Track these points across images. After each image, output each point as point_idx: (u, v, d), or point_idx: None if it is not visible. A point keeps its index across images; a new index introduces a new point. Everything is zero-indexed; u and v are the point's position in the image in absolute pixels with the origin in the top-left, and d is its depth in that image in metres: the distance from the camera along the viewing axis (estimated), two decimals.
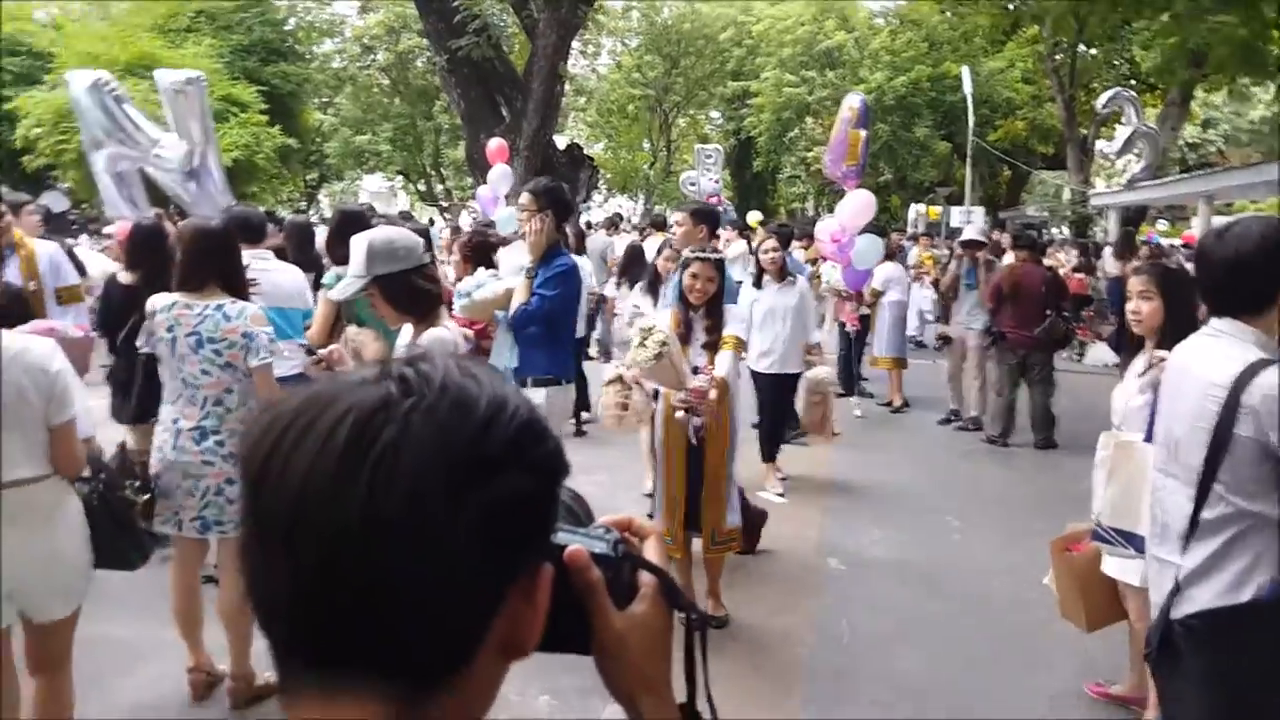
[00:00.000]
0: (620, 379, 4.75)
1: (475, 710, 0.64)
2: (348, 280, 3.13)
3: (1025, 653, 4.31)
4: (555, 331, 4.06)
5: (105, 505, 2.97)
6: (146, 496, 3.32)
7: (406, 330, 3.23)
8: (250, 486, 0.58)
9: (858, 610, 4.70)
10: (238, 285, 3.45)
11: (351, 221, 4.60)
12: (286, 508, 0.56)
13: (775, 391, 6.66)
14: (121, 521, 3.06)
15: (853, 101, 9.18)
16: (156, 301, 3.35)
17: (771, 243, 6.68)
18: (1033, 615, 4.62)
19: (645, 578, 0.76)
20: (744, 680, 3.94)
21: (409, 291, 3.08)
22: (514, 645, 0.63)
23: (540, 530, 0.65)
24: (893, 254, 10.32)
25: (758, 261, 6.64)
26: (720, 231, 16.34)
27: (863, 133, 8.91)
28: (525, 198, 4.16)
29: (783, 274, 6.57)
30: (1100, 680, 3.96)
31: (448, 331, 3.10)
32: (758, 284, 6.54)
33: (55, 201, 11.60)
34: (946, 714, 3.74)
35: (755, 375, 6.65)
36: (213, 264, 3.41)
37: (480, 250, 5.10)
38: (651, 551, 0.79)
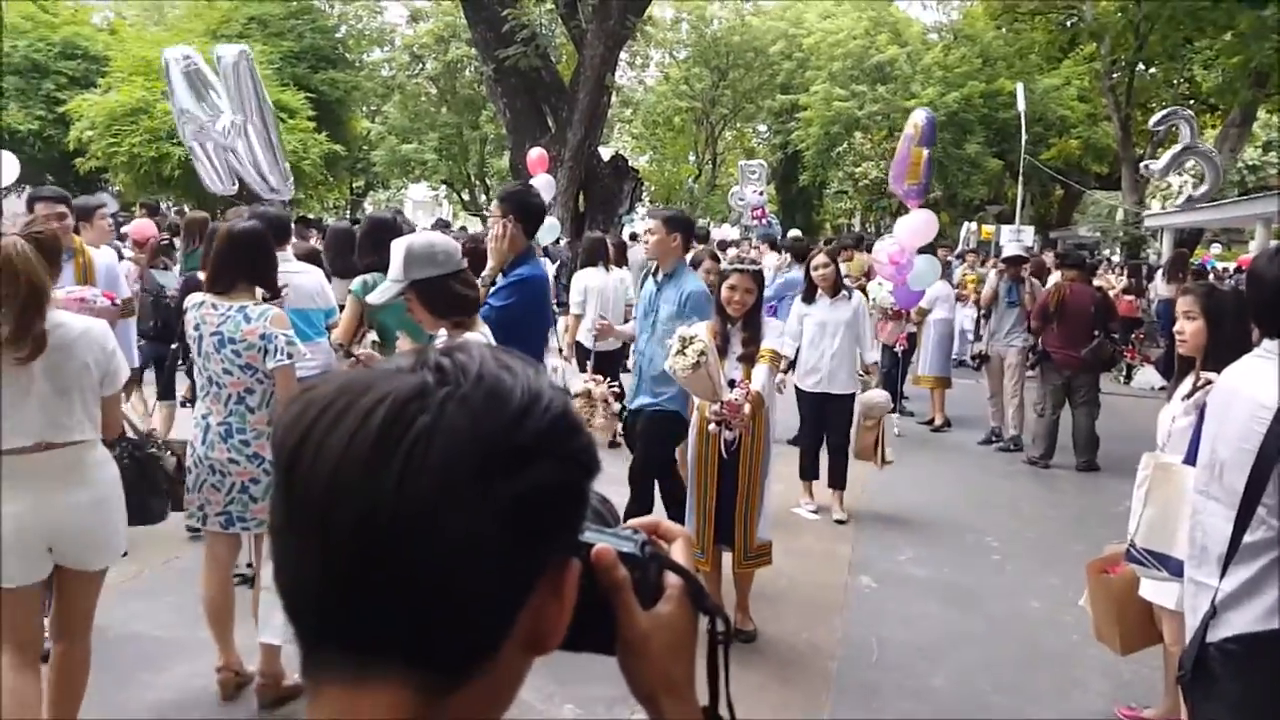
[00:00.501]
0: (588, 394, 4.62)
1: (497, 704, 0.64)
2: (385, 285, 3.15)
3: (1058, 674, 4.24)
4: (511, 342, 4.03)
5: (135, 463, 3.32)
6: (170, 454, 3.57)
7: (442, 336, 3.27)
8: (283, 471, 0.59)
9: (889, 627, 4.66)
10: (268, 287, 3.51)
11: (381, 228, 4.67)
12: (319, 492, 0.56)
13: (819, 409, 6.50)
14: (149, 477, 3.41)
15: (917, 118, 8.91)
16: (190, 300, 3.51)
17: (822, 257, 6.63)
18: (1066, 637, 4.56)
19: (671, 579, 0.76)
20: (771, 693, 3.92)
21: (446, 296, 3.09)
22: (539, 639, 0.64)
23: (570, 524, 0.65)
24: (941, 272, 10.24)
25: (809, 276, 6.56)
26: (760, 245, 16.36)
27: (925, 150, 8.71)
28: (494, 204, 4.18)
29: (836, 289, 6.48)
30: (1133, 704, 3.89)
31: (483, 338, 3.10)
32: (809, 299, 6.50)
33: (106, 204, 11.79)
34: None
35: (800, 393, 6.60)
36: (241, 265, 3.48)
37: (474, 258, 5.10)
38: (679, 553, 0.80)
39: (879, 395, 6.44)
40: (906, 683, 4.09)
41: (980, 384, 10.80)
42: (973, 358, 9.49)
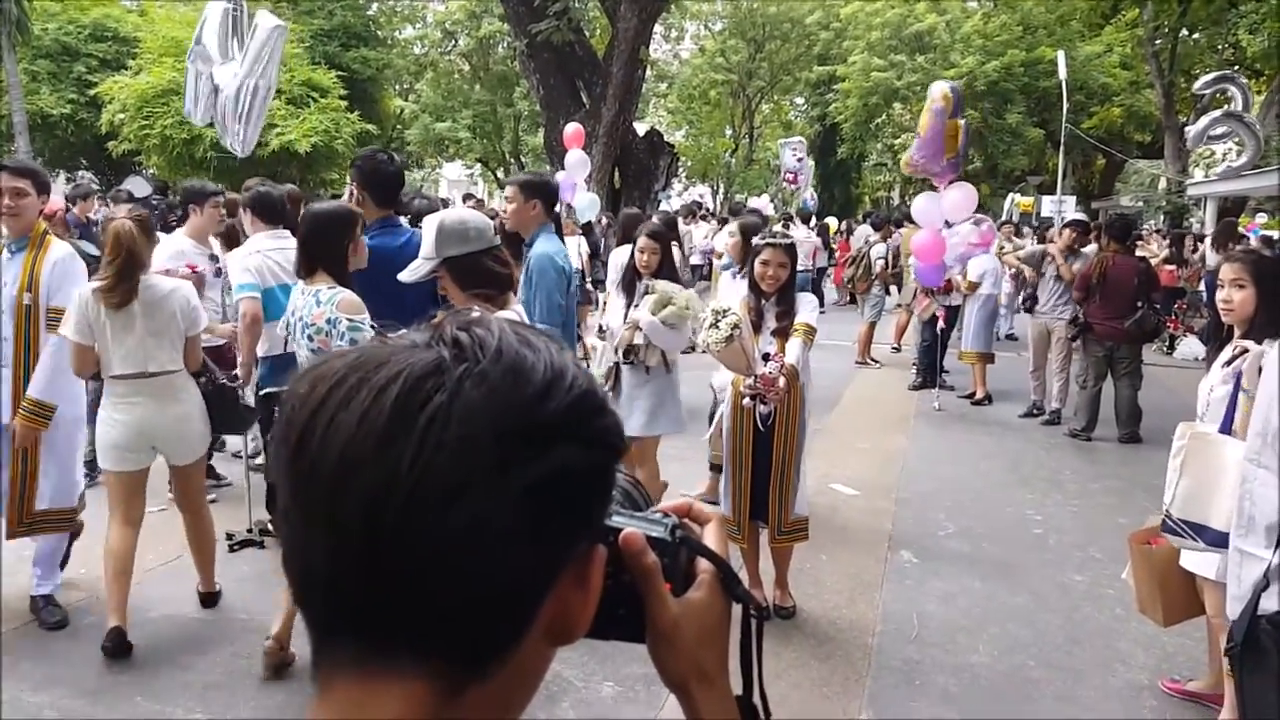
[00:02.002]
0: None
1: (518, 696, 0.61)
2: (418, 262, 3.11)
3: (1100, 648, 4.20)
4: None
5: (216, 389, 4.24)
6: (240, 382, 4.55)
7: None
8: (292, 449, 0.56)
9: (929, 602, 4.64)
10: (339, 271, 3.48)
11: (421, 212, 4.70)
12: (328, 471, 0.53)
13: None
14: (227, 399, 4.33)
15: (944, 89, 8.54)
16: (295, 289, 3.58)
17: (732, 226, 6.21)
18: (1109, 611, 4.52)
19: (703, 565, 0.74)
20: (811, 670, 3.93)
21: (479, 273, 3.05)
22: (563, 630, 0.61)
23: (595, 509, 0.62)
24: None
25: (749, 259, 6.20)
26: (794, 220, 16.23)
27: (961, 121, 8.46)
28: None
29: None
30: (1176, 676, 3.86)
31: (517, 316, 3.08)
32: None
33: (138, 187, 11.85)
34: (1017, 708, 3.67)
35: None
36: (318, 250, 3.48)
37: (507, 236, 5.12)
38: (711, 538, 0.77)
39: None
40: (947, 659, 4.07)
41: (1022, 357, 10.69)
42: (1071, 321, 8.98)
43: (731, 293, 5.62)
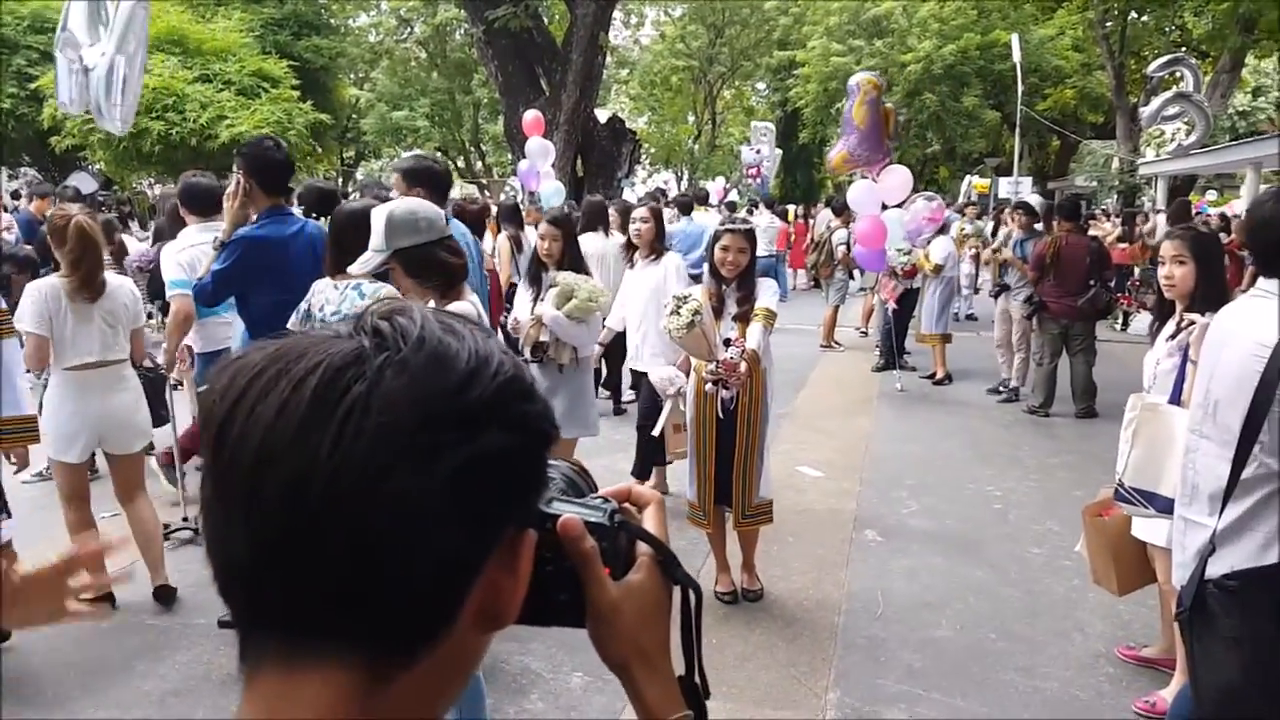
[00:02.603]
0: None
1: (450, 683, 0.61)
2: (367, 256, 3.01)
3: (1059, 618, 4.31)
4: (242, 308, 3.99)
5: (149, 381, 4.52)
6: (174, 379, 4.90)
7: (429, 306, 3.13)
8: (212, 440, 0.55)
9: (893, 579, 4.72)
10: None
11: (323, 199, 4.64)
12: (248, 461, 0.53)
13: (648, 390, 5.47)
14: (156, 389, 4.70)
15: (870, 78, 8.58)
16: (317, 285, 3.49)
17: (642, 212, 5.84)
18: (1067, 582, 4.64)
19: (643, 548, 0.75)
20: (779, 651, 3.99)
21: (432, 264, 2.96)
22: (493, 616, 0.60)
23: (524, 495, 0.62)
24: (944, 228, 10.24)
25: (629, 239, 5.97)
26: (759, 206, 16.30)
27: (889, 104, 8.54)
28: (235, 161, 4.17)
29: (654, 249, 5.75)
30: (1132, 644, 3.98)
31: (471, 306, 3.00)
32: (631, 263, 5.95)
33: (84, 183, 11.57)
34: (980, 680, 3.76)
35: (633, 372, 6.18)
36: (352, 246, 3.36)
37: (465, 219, 5.04)
38: (651, 522, 0.78)
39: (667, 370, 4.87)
40: (911, 634, 4.15)
41: (979, 337, 10.86)
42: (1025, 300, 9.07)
43: (639, 283, 5.63)
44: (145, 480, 4.45)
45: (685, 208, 11.37)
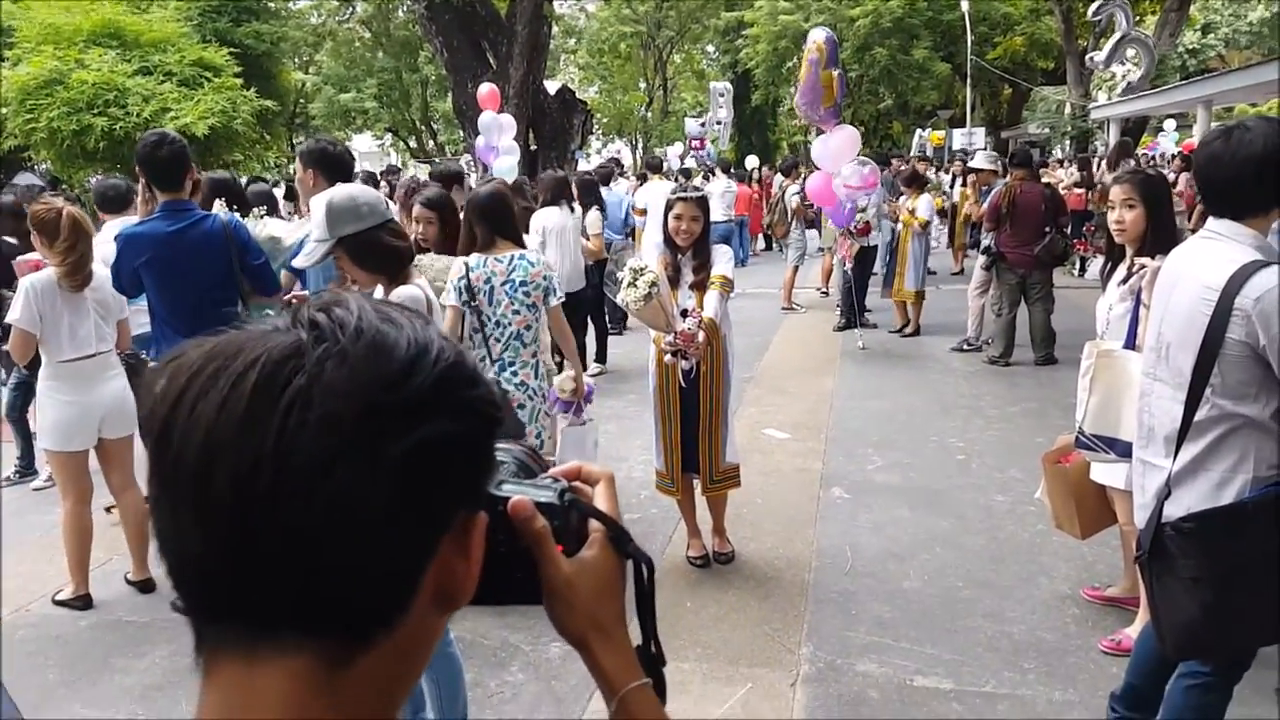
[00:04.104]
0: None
1: (410, 663, 0.62)
2: (310, 246, 2.95)
3: (1024, 563, 4.39)
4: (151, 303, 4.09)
5: (129, 367, 4.49)
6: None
7: (378, 293, 3.04)
8: (155, 440, 0.56)
9: (861, 535, 4.78)
10: (517, 237, 4.14)
11: (215, 188, 4.61)
12: (193, 458, 0.53)
13: None
14: (140, 374, 4.55)
15: (818, 38, 8.54)
16: (470, 261, 3.99)
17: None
18: (1031, 527, 4.72)
19: (595, 525, 0.78)
20: (751, 610, 4.03)
21: (377, 250, 2.92)
22: (448, 597, 0.62)
23: (471, 479, 0.62)
24: (924, 183, 10.26)
25: None
26: (716, 171, 16.23)
27: (835, 71, 8.43)
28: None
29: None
30: (1096, 584, 4.06)
31: (419, 290, 2.97)
32: None
33: (30, 183, 11.28)
34: (949, 628, 3.83)
35: None
36: (496, 225, 4.04)
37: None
38: (602, 499, 0.80)
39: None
40: (880, 587, 4.21)
41: (941, 290, 10.95)
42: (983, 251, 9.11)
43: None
44: (135, 470, 4.42)
45: (605, 178, 11.23)
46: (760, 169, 19.96)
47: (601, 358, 8.65)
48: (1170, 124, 25.17)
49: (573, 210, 7.65)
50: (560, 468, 0.81)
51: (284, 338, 0.56)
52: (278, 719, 0.55)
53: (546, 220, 7.38)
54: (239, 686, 0.56)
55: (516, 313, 3.99)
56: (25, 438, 6.18)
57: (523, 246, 4.11)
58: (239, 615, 0.56)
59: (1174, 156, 18.60)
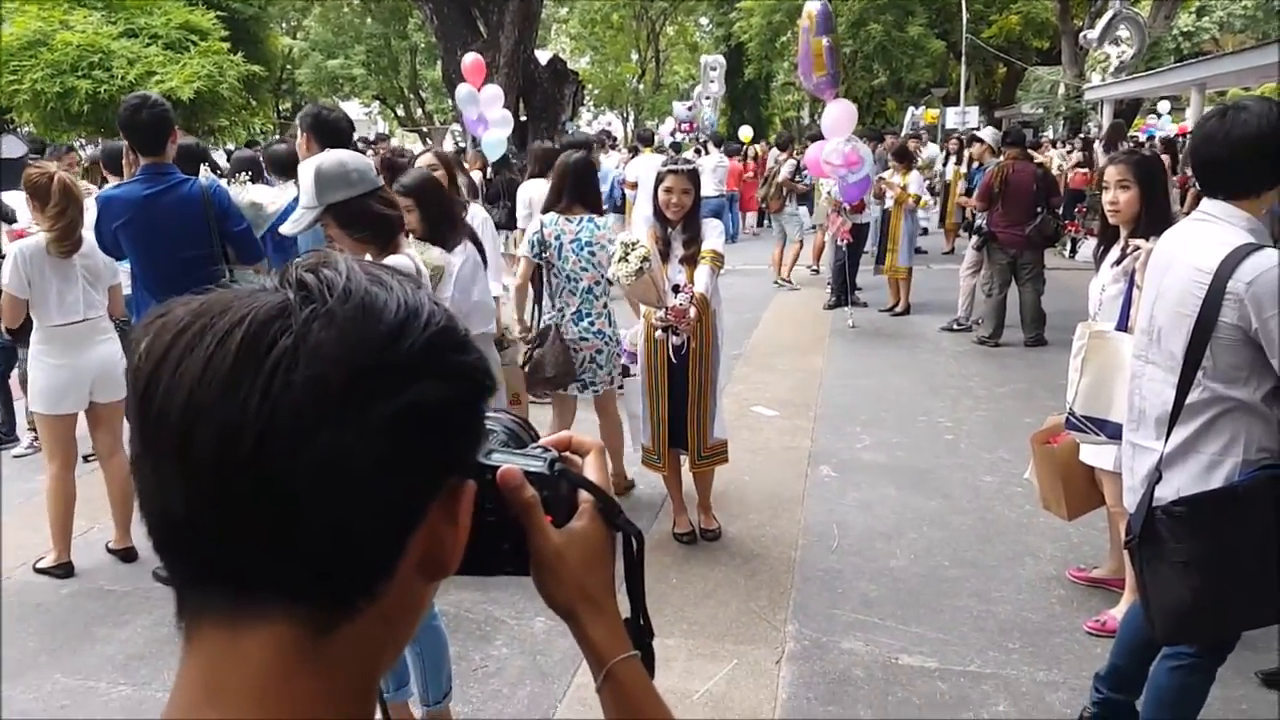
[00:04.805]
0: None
1: (395, 632, 0.62)
2: (299, 213, 2.89)
3: (1011, 543, 4.40)
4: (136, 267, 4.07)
5: (122, 334, 4.52)
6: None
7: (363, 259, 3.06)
8: (138, 397, 0.55)
9: (848, 513, 4.78)
10: (595, 204, 4.66)
11: (183, 156, 4.55)
12: (176, 416, 0.52)
13: None
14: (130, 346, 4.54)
15: (811, 8, 8.50)
16: (545, 219, 4.54)
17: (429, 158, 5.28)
18: (1018, 508, 4.72)
19: (585, 495, 0.77)
20: (738, 587, 4.03)
21: (367, 218, 2.86)
22: (435, 565, 0.61)
23: (459, 445, 0.62)
24: (913, 160, 10.22)
25: None
26: (708, 146, 16.14)
27: (824, 40, 8.36)
28: None
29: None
30: (1082, 565, 4.07)
31: (409, 259, 2.92)
32: None
33: (12, 147, 11.08)
34: (934, 607, 3.83)
35: None
36: (577, 190, 4.54)
37: (392, 172, 4.86)
38: (592, 469, 0.79)
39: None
40: (867, 565, 4.21)
41: (932, 269, 10.94)
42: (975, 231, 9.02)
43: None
44: (122, 438, 4.37)
45: (580, 146, 11.12)
46: (756, 145, 19.83)
47: None
48: (1164, 105, 25.15)
49: None
50: (550, 437, 0.80)
51: (271, 298, 0.55)
52: (260, 686, 0.55)
53: (534, 192, 7.28)
54: (221, 653, 0.55)
55: (585, 269, 4.45)
56: (6, 405, 6.12)
57: (600, 213, 4.60)
58: (220, 576, 0.55)
59: (1151, 138, 18.56)
